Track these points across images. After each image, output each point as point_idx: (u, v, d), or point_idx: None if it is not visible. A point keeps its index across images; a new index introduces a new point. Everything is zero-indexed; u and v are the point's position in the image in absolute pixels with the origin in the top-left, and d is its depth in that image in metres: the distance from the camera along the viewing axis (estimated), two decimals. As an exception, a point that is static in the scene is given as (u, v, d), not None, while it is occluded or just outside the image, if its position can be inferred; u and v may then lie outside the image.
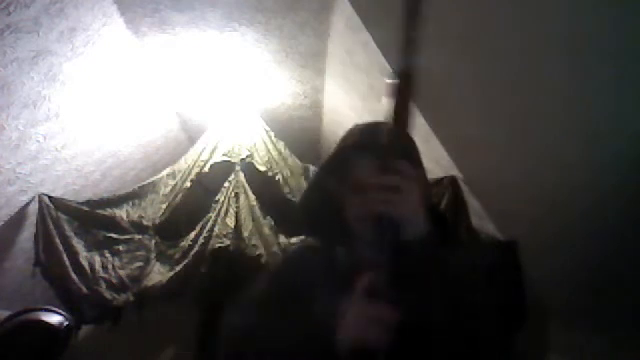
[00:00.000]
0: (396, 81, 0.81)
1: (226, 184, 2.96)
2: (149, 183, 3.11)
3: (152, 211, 3.02)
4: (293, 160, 3.05)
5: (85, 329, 2.92)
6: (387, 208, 0.87)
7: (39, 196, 2.81)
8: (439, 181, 2.58)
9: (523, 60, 1.66)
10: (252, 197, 2.94)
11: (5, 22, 1.90)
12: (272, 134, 3.10)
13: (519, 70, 1.70)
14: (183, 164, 3.08)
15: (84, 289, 2.76)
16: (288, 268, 1.00)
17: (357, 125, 1.02)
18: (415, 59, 0.81)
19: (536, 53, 1.60)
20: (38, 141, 2.56)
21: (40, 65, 2.21)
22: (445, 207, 2.53)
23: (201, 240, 2.84)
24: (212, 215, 2.88)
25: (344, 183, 0.96)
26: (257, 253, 2.79)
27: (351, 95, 2.91)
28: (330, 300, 0.86)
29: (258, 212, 2.92)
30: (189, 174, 3.02)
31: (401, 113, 0.81)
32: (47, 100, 2.40)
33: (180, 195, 3.02)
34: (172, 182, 3.07)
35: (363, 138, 0.98)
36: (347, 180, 0.95)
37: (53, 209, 2.84)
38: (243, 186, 2.95)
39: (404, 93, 0.80)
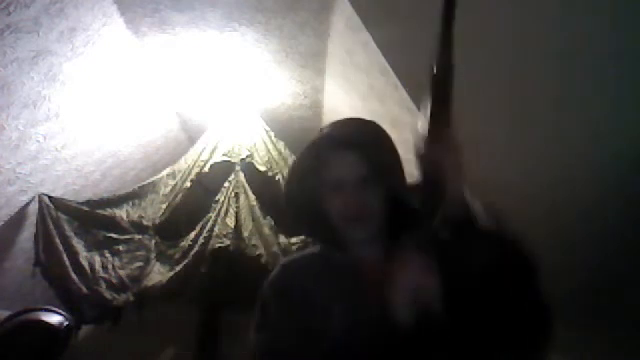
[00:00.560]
0: (435, 74, 0.81)
1: (226, 184, 2.96)
2: (149, 183, 3.11)
3: (152, 211, 3.03)
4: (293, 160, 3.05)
5: (85, 329, 2.92)
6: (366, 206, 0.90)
7: (39, 196, 2.81)
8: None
9: (523, 60, 1.65)
10: (252, 197, 2.94)
11: (5, 22, 1.90)
12: (272, 134, 3.10)
13: (519, 70, 1.70)
14: (183, 164, 3.08)
15: (84, 289, 2.76)
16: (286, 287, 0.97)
17: (332, 123, 1.01)
18: (452, 53, 0.83)
19: (536, 53, 1.60)
20: (38, 141, 2.56)
21: (40, 65, 2.21)
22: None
23: (201, 240, 2.84)
24: (212, 215, 2.88)
25: (321, 180, 0.95)
26: (257, 253, 2.79)
27: (351, 95, 2.90)
28: (336, 303, 0.86)
29: (258, 212, 2.92)
30: (189, 174, 3.02)
31: (441, 108, 0.81)
32: (47, 100, 2.40)
33: (180, 195, 3.02)
34: (172, 182, 3.07)
35: (337, 134, 0.96)
36: (324, 177, 0.94)
37: (53, 209, 2.84)
38: (243, 186, 2.95)
39: (444, 86, 0.82)
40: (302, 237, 2.85)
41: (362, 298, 0.85)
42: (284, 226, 2.91)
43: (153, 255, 2.93)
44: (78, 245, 2.86)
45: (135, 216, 3.01)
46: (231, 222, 2.84)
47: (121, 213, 2.99)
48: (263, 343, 0.91)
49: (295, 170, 1.01)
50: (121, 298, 2.79)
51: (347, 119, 1.02)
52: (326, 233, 0.97)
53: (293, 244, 2.83)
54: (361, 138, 0.94)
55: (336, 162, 0.93)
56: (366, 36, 2.10)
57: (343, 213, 0.92)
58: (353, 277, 0.91)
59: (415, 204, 0.86)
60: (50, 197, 2.85)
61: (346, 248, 0.96)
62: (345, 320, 0.82)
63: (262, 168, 2.99)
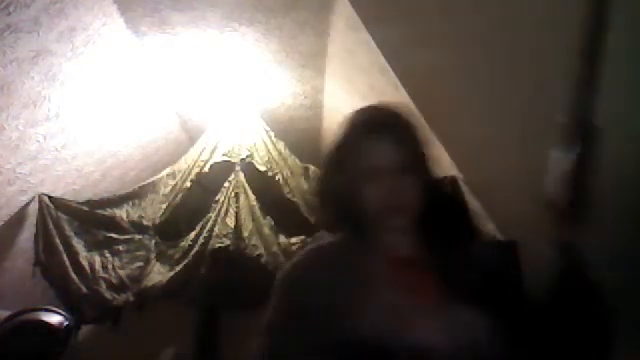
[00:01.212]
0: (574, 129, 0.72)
1: (226, 184, 2.96)
2: (149, 183, 3.11)
3: (152, 211, 3.03)
4: (293, 160, 3.05)
5: (85, 329, 2.92)
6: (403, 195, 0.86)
7: (39, 196, 2.81)
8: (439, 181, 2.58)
9: (524, 60, 1.65)
10: (252, 197, 2.94)
11: (5, 22, 1.90)
12: (272, 134, 3.10)
13: (520, 70, 1.70)
14: (183, 164, 3.08)
15: (84, 289, 2.76)
16: (306, 274, 0.90)
17: (359, 110, 0.96)
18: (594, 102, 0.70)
19: (538, 53, 1.60)
20: (38, 141, 2.56)
21: (40, 65, 2.21)
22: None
23: (201, 240, 2.84)
24: (212, 215, 2.88)
25: (356, 170, 0.89)
26: (257, 253, 2.79)
27: (351, 95, 2.90)
28: (364, 298, 0.81)
29: (258, 212, 2.92)
30: (189, 174, 3.02)
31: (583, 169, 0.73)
32: (47, 100, 2.40)
33: (180, 195, 3.02)
34: (172, 182, 3.07)
35: (369, 122, 0.92)
36: (359, 166, 0.89)
37: (53, 209, 2.83)
38: (243, 186, 2.95)
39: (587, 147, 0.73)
40: (302, 237, 2.85)
41: (388, 296, 0.80)
42: (284, 226, 2.91)
43: (153, 255, 2.93)
44: (78, 245, 2.86)
45: (135, 216, 3.01)
46: (231, 222, 2.84)
47: (121, 213, 2.99)
48: (266, 345, 0.86)
49: (328, 160, 0.96)
50: (121, 298, 2.79)
51: (376, 105, 0.98)
52: (358, 225, 0.91)
53: (293, 244, 2.83)
54: (395, 124, 0.91)
55: (372, 149, 0.89)
56: (366, 36, 2.10)
57: (380, 202, 0.87)
58: (379, 273, 0.85)
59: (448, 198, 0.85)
60: (50, 197, 2.85)
61: (376, 241, 0.90)
62: (365, 320, 0.77)
63: (262, 168, 2.98)
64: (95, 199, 3.04)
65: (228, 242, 2.78)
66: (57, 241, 2.79)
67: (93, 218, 2.94)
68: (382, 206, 0.87)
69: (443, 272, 0.84)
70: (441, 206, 0.88)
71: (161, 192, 3.07)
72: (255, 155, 3.02)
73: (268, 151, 3.04)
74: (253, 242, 2.82)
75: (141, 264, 2.89)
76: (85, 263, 2.82)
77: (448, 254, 0.86)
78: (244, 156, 3.00)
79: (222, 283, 2.92)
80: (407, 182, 0.87)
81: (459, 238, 0.91)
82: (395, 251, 0.89)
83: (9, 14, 1.87)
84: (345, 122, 0.95)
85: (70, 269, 2.77)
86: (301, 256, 0.95)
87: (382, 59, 2.12)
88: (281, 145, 3.08)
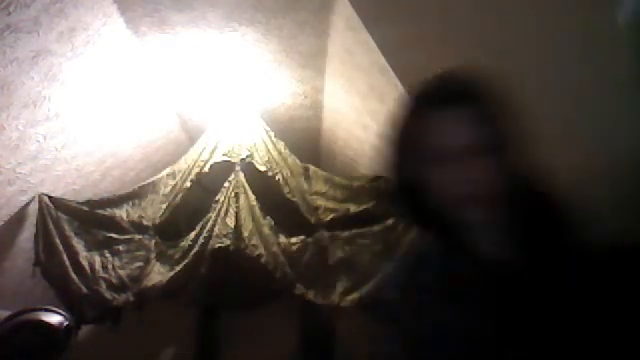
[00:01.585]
0: None
1: (226, 184, 2.96)
2: (149, 183, 3.11)
3: (152, 211, 3.02)
4: (293, 160, 3.05)
5: (85, 329, 2.92)
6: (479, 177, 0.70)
7: (39, 196, 2.82)
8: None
9: (525, 59, 1.65)
10: (252, 197, 2.94)
11: (5, 22, 1.90)
12: (272, 134, 3.10)
13: (521, 70, 1.70)
14: (183, 164, 3.08)
15: (84, 289, 2.76)
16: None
17: (428, 78, 0.79)
18: None
19: (538, 52, 1.60)
20: (38, 141, 2.56)
21: (40, 65, 2.21)
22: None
23: (201, 240, 2.84)
24: (212, 215, 2.88)
25: (425, 150, 0.74)
26: (257, 253, 2.79)
27: (351, 95, 2.90)
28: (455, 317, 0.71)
29: (258, 212, 2.91)
30: (189, 174, 3.02)
31: None
32: (47, 100, 2.40)
33: (180, 195, 3.02)
34: (172, 182, 3.07)
35: (440, 91, 0.76)
36: (428, 146, 0.74)
37: (53, 209, 2.84)
38: (243, 186, 2.95)
39: None
40: (302, 237, 2.85)
41: (489, 311, 0.70)
42: (284, 226, 2.90)
43: (153, 255, 2.93)
44: (78, 245, 2.86)
45: (135, 216, 3.01)
46: (231, 222, 2.84)
47: (121, 213, 2.99)
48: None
49: (394, 142, 0.80)
50: (121, 298, 2.79)
51: (449, 72, 0.78)
52: (435, 219, 0.77)
53: (293, 244, 2.83)
54: (472, 94, 0.74)
55: (442, 124, 0.73)
56: (366, 36, 2.10)
57: (454, 189, 0.72)
58: (461, 281, 0.73)
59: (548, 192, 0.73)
60: (50, 197, 2.85)
61: (458, 240, 0.76)
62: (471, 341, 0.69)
63: (262, 168, 2.98)
64: (95, 199, 3.04)
65: (228, 242, 2.78)
66: (57, 241, 2.79)
67: (93, 218, 2.94)
68: (457, 194, 0.72)
69: (535, 281, 0.70)
70: (533, 197, 0.73)
71: (161, 192, 3.07)
72: (255, 155, 3.01)
73: (268, 151, 3.04)
74: (253, 242, 2.82)
75: (141, 264, 2.89)
76: (85, 263, 2.82)
77: (545, 259, 0.71)
78: (244, 156, 3.00)
79: (222, 283, 2.93)
80: (486, 165, 0.71)
81: (559, 239, 0.73)
82: (478, 252, 0.74)
83: (9, 14, 1.87)
84: (411, 93, 0.80)
85: (70, 269, 2.77)
86: (396, 268, 0.90)
87: (382, 59, 2.12)
88: (281, 145, 3.08)
